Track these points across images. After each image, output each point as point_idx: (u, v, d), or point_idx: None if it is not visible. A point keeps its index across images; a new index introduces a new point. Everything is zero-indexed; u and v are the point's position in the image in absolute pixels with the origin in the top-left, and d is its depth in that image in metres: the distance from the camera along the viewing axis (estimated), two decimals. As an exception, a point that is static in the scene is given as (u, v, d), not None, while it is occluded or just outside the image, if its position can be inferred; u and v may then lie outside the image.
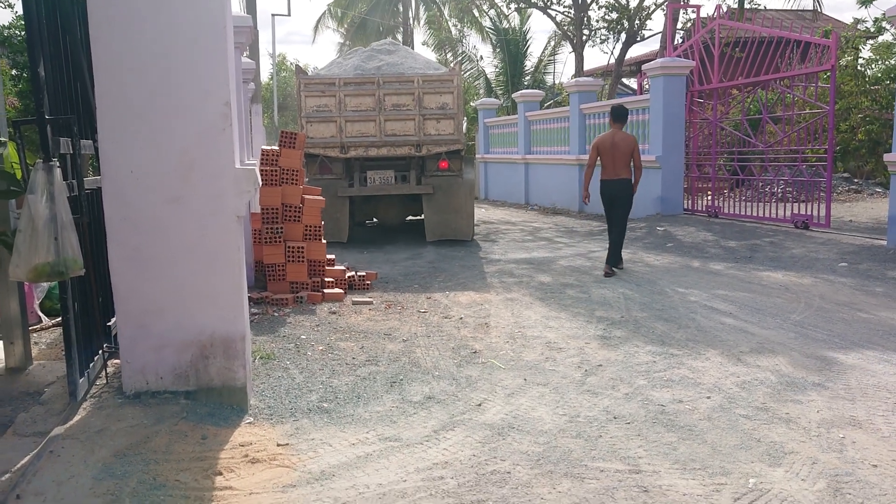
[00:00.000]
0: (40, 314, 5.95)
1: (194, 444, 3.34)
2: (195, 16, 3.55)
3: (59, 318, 4.84)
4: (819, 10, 18.60)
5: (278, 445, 3.44)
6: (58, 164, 3.35)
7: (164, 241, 3.65)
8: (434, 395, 4.22)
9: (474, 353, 5.08)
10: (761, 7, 19.57)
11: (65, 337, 3.62)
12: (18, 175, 3.58)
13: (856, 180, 18.41)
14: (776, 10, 22.02)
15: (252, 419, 3.76)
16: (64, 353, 3.72)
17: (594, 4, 21.08)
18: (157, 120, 3.58)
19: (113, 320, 4.39)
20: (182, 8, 3.54)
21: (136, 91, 3.55)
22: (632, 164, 8.16)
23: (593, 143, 8.38)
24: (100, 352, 4.14)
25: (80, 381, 3.67)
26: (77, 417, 3.52)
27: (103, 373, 4.06)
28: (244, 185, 3.68)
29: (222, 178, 3.64)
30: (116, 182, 3.60)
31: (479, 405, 4.05)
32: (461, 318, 6.10)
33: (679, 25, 17.93)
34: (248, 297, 6.47)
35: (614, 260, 8.24)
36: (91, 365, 3.92)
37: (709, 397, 4.11)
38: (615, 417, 3.82)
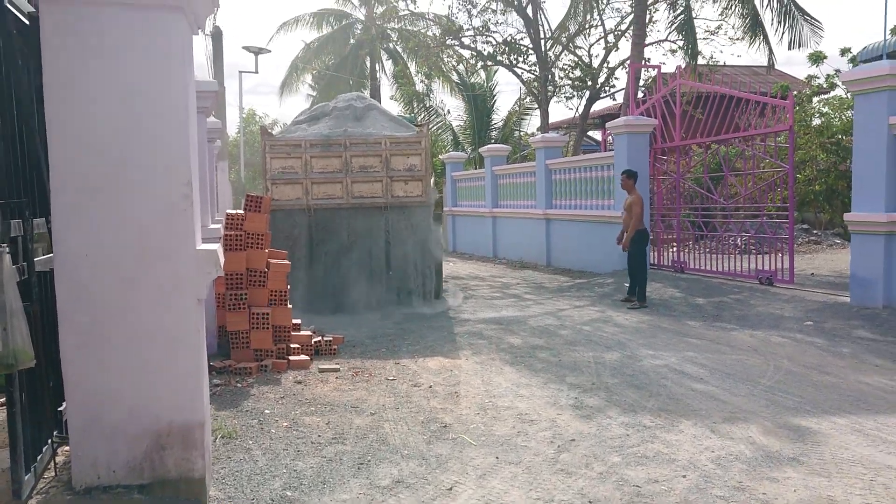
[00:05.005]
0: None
1: (147, 545, 3.15)
2: (155, 95, 3.48)
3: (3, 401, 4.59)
4: (773, 65, 19.29)
5: (238, 544, 3.26)
6: (7, 249, 3.21)
7: (119, 325, 3.50)
8: (403, 478, 4.07)
9: (444, 427, 4.95)
10: (720, 63, 20.21)
11: (10, 432, 3.41)
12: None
13: (815, 231, 18.81)
14: (733, 67, 22.79)
15: (211, 512, 3.57)
16: (8, 443, 3.50)
17: (559, 62, 21.56)
18: (113, 200, 3.47)
19: (63, 405, 4.17)
20: (141, 88, 3.47)
21: (92, 172, 3.44)
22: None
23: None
24: (49, 441, 3.92)
25: (26, 478, 3.45)
26: (21, 517, 3.30)
27: (52, 464, 3.83)
28: (205, 267, 3.56)
29: (182, 259, 3.52)
30: (70, 264, 3.45)
31: (450, 489, 3.91)
32: (430, 387, 5.96)
33: (641, 82, 18.36)
34: (211, 365, 6.26)
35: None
36: (39, 458, 3.70)
37: (684, 476, 4.02)
38: (590, 502, 3.71)
